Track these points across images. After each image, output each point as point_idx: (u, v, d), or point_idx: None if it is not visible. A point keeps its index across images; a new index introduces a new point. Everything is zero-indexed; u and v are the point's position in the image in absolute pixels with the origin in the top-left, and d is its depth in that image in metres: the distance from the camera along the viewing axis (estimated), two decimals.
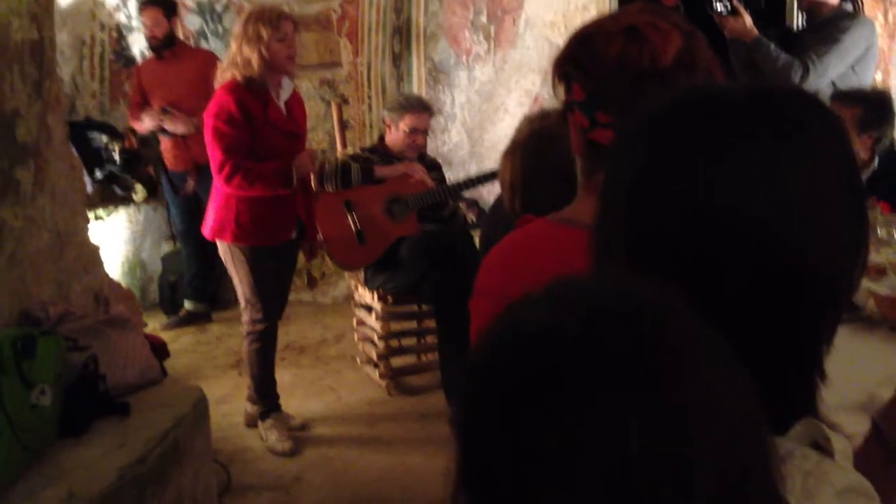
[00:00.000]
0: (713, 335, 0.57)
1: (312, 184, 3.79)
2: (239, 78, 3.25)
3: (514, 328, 0.58)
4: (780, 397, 0.67)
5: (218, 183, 3.34)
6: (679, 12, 3.25)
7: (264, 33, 3.21)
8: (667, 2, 3.49)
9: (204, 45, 5.43)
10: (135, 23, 5.53)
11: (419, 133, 4.06)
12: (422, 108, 4.12)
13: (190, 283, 5.09)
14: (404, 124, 4.02)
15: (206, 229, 3.43)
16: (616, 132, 0.82)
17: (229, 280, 3.58)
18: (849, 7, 3.49)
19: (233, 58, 3.29)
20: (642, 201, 0.72)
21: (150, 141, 5.06)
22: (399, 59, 5.64)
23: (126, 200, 5.26)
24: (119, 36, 5.60)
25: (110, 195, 5.24)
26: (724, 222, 0.67)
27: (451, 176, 5.16)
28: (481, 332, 0.60)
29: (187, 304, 5.11)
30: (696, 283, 0.65)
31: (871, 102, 3.21)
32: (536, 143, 2.03)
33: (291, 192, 3.41)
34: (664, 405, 0.51)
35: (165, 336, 3.89)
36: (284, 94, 3.43)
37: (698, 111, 0.72)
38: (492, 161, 5.32)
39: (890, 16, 4.55)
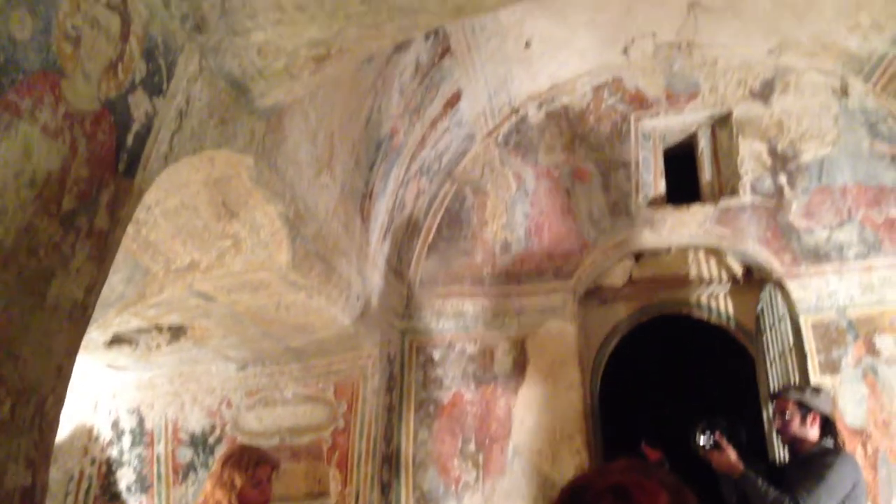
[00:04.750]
0: None
1: None
2: None
3: None
4: None
5: None
6: (664, 467, 3.35)
7: (238, 481, 3.19)
8: (651, 456, 3.59)
9: (192, 476, 5.41)
10: (126, 457, 5.58)
11: None
12: None
13: None
14: None
15: None
16: None
17: None
18: (829, 443, 3.55)
19: (206, 497, 3.27)
20: None
21: None
22: (388, 489, 5.59)
23: None
24: (108, 471, 5.60)
25: None
26: None
27: None
28: None
29: None
30: None
31: None
32: None
33: None
34: None
35: None
36: None
37: None
38: None
39: (869, 447, 4.65)
